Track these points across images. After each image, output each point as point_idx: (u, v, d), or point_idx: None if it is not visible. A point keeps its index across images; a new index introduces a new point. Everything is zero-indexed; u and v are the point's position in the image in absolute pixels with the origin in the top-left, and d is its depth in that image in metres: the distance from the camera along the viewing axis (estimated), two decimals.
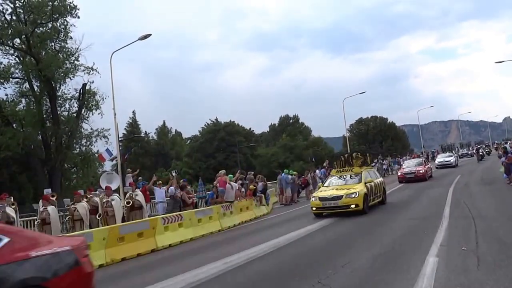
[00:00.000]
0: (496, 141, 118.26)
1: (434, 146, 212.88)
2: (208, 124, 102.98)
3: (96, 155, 41.72)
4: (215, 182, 23.88)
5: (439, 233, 12.98)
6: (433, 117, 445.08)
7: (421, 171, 37.43)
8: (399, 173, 40.02)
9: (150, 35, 28.05)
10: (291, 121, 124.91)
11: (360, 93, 67.53)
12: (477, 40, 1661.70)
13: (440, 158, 58.84)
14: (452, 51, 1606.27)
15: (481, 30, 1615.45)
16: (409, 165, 41.06)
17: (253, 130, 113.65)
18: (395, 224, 16.37)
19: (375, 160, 51.71)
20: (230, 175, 25.48)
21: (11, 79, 38.41)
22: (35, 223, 18.06)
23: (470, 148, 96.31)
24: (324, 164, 42.64)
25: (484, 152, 70.02)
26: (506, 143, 51.25)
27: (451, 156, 60.26)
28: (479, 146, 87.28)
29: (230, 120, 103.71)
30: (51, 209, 17.18)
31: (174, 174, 24.94)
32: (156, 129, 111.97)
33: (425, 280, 8.25)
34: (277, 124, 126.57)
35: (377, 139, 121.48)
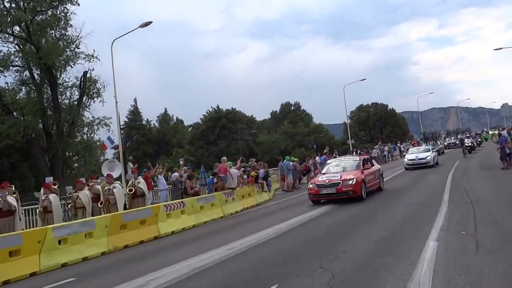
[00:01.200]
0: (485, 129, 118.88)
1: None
2: (209, 111, 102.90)
3: (98, 143, 41.78)
4: (215, 169, 23.90)
5: (439, 218, 13.11)
6: (432, 104, 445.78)
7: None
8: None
9: (151, 22, 28.00)
10: (292, 108, 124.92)
11: (361, 80, 67.80)
12: (476, 27, 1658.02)
13: (411, 155, 40.11)
14: (452, 38, 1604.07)
15: (480, 17, 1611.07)
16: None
17: (254, 117, 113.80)
18: (395, 209, 16.45)
19: (376, 146, 52.29)
20: (229, 162, 25.55)
21: (11, 67, 38.07)
22: (37, 211, 18.10)
23: (465, 135, 65.43)
24: (325, 151, 42.76)
25: (475, 143, 56.97)
26: (503, 129, 51.09)
27: (428, 151, 40.95)
28: (461, 137, 66.49)
29: (231, 108, 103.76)
30: (52, 197, 17.20)
31: (181, 162, 25.04)
32: (158, 116, 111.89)
33: (425, 264, 8.34)
34: (278, 111, 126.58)
35: (377, 126, 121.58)
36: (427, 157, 37.98)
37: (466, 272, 7.69)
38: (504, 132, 36.76)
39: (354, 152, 50.16)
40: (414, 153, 40.01)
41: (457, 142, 67.22)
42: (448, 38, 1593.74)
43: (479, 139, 67.46)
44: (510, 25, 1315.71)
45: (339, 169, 22.29)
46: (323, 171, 23.15)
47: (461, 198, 17.06)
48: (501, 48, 50.30)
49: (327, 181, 20.39)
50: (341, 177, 20.30)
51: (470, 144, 50.55)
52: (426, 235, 10.86)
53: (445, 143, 76.47)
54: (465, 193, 18.24)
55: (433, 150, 43.10)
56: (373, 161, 25.67)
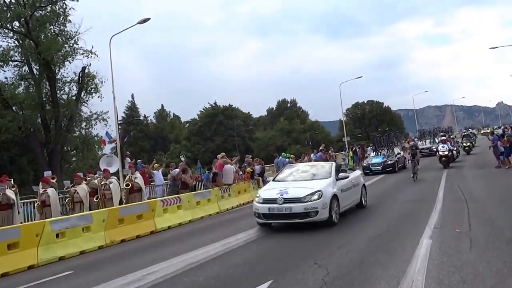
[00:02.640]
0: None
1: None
2: (206, 107, 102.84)
3: (96, 138, 41.97)
4: (213, 166, 23.98)
5: (433, 216, 13.21)
6: (428, 102, 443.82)
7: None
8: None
9: (149, 19, 28.03)
10: (288, 105, 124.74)
11: (357, 78, 67.77)
12: (472, 26, 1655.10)
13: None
14: (448, 36, 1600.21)
15: (477, 16, 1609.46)
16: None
17: (251, 114, 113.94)
18: (390, 207, 16.52)
19: (370, 144, 50.33)
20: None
21: (10, 62, 38.23)
22: (35, 205, 18.19)
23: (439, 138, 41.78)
24: (321, 148, 42.80)
25: (455, 151, 36.18)
26: (499, 128, 50.38)
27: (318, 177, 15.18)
28: (436, 141, 46.00)
29: (228, 104, 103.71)
30: (50, 191, 17.31)
31: (183, 158, 25.08)
32: (155, 112, 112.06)
33: (419, 261, 8.42)
34: (275, 108, 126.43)
35: (372, 123, 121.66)
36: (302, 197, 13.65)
37: (460, 270, 7.75)
38: (499, 130, 36.77)
39: (350, 149, 50.22)
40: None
41: (433, 147, 43.13)
42: (444, 36, 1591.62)
43: (467, 143, 44.70)
44: (506, 24, 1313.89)
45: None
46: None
47: (456, 196, 17.16)
48: (497, 47, 49.96)
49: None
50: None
51: (446, 153, 31.87)
52: (420, 232, 10.94)
53: (418, 147, 50.38)
54: (459, 191, 18.33)
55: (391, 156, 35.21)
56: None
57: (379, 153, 37.45)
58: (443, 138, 35.79)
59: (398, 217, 13.99)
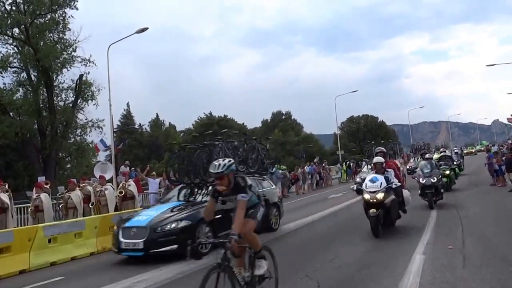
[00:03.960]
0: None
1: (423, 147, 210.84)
2: (201, 118, 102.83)
3: (91, 145, 41.93)
4: None
5: (426, 232, 13.17)
6: (423, 118, 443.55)
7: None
8: None
9: (147, 28, 28.18)
10: (283, 117, 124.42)
11: (352, 92, 67.91)
12: (469, 42, 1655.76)
13: None
14: (444, 52, 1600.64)
15: (474, 33, 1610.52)
16: None
17: (246, 125, 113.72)
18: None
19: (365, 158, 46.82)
20: None
21: (9, 68, 38.42)
22: (29, 210, 18.20)
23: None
24: (315, 161, 42.88)
25: (438, 186, 19.45)
26: (493, 145, 48.88)
27: None
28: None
29: (224, 115, 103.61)
30: (44, 196, 17.35)
31: None
32: (149, 122, 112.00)
33: (411, 277, 8.40)
34: (269, 120, 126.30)
35: (367, 137, 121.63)
36: None
37: (453, 285, 7.75)
38: (495, 147, 36.71)
39: (344, 164, 50.15)
40: None
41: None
42: (440, 52, 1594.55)
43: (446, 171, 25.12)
44: (503, 41, 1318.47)
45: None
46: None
47: (449, 213, 17.08)
48: (493, 65, 49.77)
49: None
50: None
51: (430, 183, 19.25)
52: (413, 248, 10.90)
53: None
54: (453, 208, 18.25)
55: None
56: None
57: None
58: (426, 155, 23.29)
59: (390, 232, 13.90)
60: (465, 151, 69.86)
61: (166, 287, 9.08)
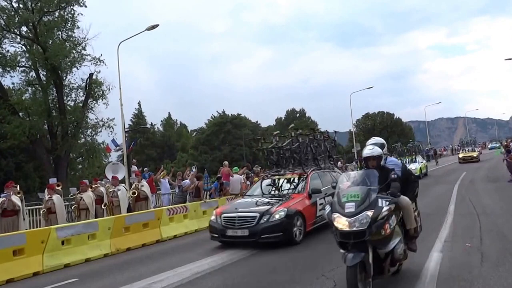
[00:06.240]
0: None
1: (440, 143, 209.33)
2: (214, 116, 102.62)
3: (102, 145, 41.97)
4: (219, 174, 23.83)
5: (444, 229, 13.06)
6: (440, 114, 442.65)
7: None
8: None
9: (157, 25, 27.98)
10: (297, 115, 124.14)
11: (368, 88, 67.57)
12: (487, 36, 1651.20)
13: None
14: (462, 47, 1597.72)
15: (492, 27, 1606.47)
16: None
17: (259, 123, 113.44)
18: None
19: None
20: (235, 168, 25.51)
21: (17, 68, 38.29)
22: (41, 212, 18.15)
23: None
24: None
25: None
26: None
27: None
28: None
29: (237, 113, 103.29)
30: (56, 198, 17.27)
31: (194, 169, 24.81)
32: (162, 120, 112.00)
33: (429, 275, 8.31)
34: (283, 118, 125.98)
35: (383, 135, 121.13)
36: None
37: (470, 284, 7.62)
38: None
39: (359, 161, 49.88)
40: None
41: None
42: (458, 47, 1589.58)
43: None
44: None
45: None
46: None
47: (467, 210, 16.92)
48: None
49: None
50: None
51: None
52: (431, 246, 10.76)
53: None
54: (471, 205, 18.09)
55: None
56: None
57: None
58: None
59: None
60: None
61: None
